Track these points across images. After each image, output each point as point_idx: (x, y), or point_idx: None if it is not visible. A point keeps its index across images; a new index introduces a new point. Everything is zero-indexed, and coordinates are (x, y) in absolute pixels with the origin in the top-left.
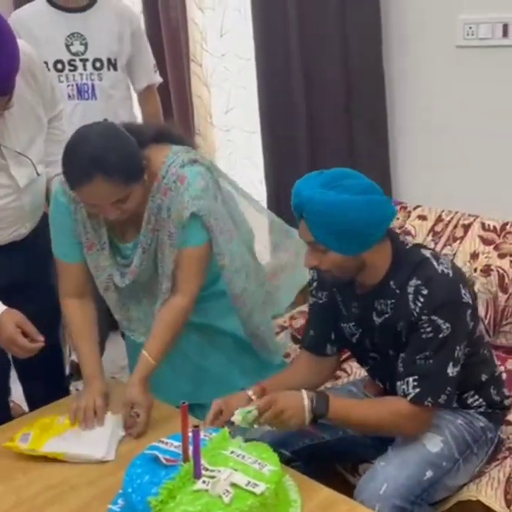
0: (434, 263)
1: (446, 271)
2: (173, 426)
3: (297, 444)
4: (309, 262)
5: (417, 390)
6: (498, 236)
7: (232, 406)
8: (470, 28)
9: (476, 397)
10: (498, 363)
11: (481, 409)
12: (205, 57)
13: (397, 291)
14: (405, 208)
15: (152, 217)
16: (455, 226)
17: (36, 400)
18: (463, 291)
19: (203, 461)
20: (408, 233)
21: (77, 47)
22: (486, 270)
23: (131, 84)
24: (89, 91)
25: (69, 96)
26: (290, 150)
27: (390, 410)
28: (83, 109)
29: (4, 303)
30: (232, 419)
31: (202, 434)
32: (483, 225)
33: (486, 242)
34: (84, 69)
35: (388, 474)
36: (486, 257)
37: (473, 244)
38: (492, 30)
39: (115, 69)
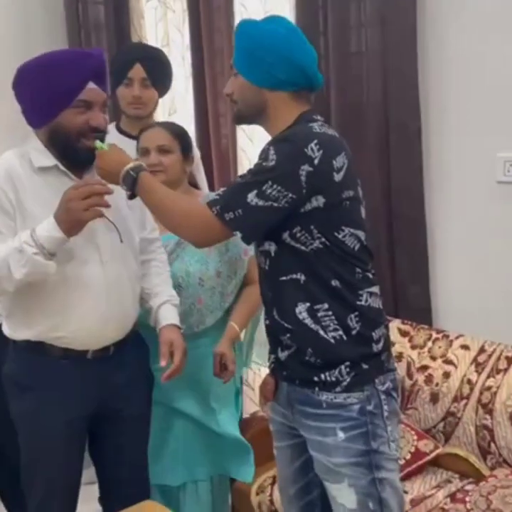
0: (319, 124)
1: (318, 128)
2: None
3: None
4: (225, 89)
5: (216, 198)
6: None
7: (271, 391)
8: (511, 165)
9: (329, 313)
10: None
11: (345, 382)
12: None
13: None
14: (447, 336)
15: None
16: (498, 358)
17: None
18: (313, 146)
19: None
20: (450, 362)
21: None
22: None
23: None
24: None
25: None
26: None
27: (191, 203)
28: None
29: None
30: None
31: None
32: None
33: None
34: None
35: None
36: None
37: None
38: None
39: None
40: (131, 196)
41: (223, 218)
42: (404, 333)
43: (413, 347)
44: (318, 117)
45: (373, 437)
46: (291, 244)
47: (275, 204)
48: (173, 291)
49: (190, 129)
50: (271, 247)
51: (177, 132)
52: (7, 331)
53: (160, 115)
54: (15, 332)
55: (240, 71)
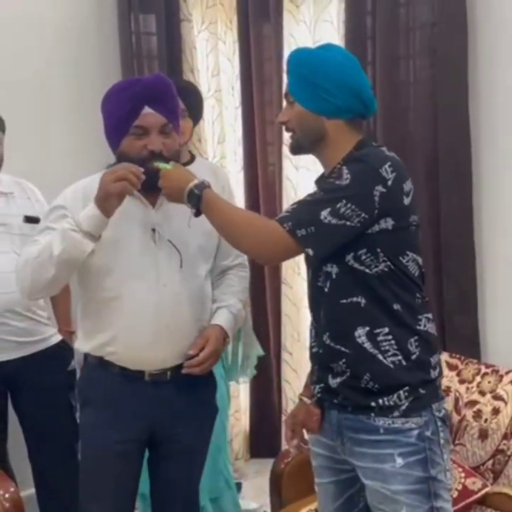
0: (382, 148)
1: (387, 152)
2: None
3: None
4: (280, 117)
5: (287, 214)
6: None
7: (301, 422)
8: None
9: (390, 337)
10: (430, 321)
11: (403, 406)
12: None
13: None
14: (497, 371)
15: None
16: None
17: None
18: (387, 167)
19: None
20: (500, 398)
21: None
22: None
23: None
24: None
25: None
26: None
27: (259, 218)
28: None
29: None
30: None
31: None
32: None
33: None
34: None
35: None
36: None
37: None
38: None
39: None
40: (197, 214)
41: (295, 235)
42: (452, 367)
43: (461, 381)
44: (376, 144)
45: (432, 464)
46: (354, 266)
47: (348, 223)
48: (237, 301)
49: (238, 157)
50: (332, 268)
51: None
52: (75, 344)
53: (209, 143)
54: (79, 344)
55: (298, 99)
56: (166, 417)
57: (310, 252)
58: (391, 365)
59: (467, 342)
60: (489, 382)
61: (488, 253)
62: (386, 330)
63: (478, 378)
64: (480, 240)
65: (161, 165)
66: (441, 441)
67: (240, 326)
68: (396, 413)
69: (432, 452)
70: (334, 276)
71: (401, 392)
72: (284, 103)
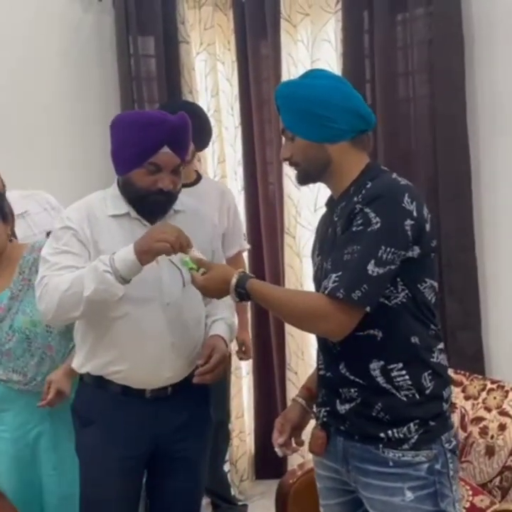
0: (395, 175)
1: (399, 179)
2: None
3: None
4: (283, 154)
5: (335, 283)
6: None
7: (290, 419)
8: None
9: (403, 372)
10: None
11: (413, 439)
12: (298, 229)
13: (351, 193)
14: (502, 387)
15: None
16: None
17: None
18: (407, 199)
19: None
20: (506, 414)
21: None
22: None
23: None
24: None
25: None
26: None
27: (306, 299)
28: None
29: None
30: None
31: None
32: None
33: None
34: None
35: None
36: None
37: None
38: None
39: None
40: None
41: (351, 299)
42: (457, 383)
43: (467, 397)
44: (385, 168)
45: (441, 498)
46: None
47: (392, 267)
48: (230, 314)
49: (238, 176)
50: None
51: None
52: (74, 365)
53: (209, 163)
54: (78, 365)
55: (298, 133)
56: (167, 433)
57: (368, 309)
58: (404, 399)
59: (471, 358)
60: (495, 398)
61: (491, 268)
62: (400, 365)
63: (483, 394)
64: (482, 255)
65: (188, 264)
66: (451, 472)
67: (233, 338)
68: (405, 446)
69: (441, 485)
70: None
71: (411, 424)
72: (283, 139)
